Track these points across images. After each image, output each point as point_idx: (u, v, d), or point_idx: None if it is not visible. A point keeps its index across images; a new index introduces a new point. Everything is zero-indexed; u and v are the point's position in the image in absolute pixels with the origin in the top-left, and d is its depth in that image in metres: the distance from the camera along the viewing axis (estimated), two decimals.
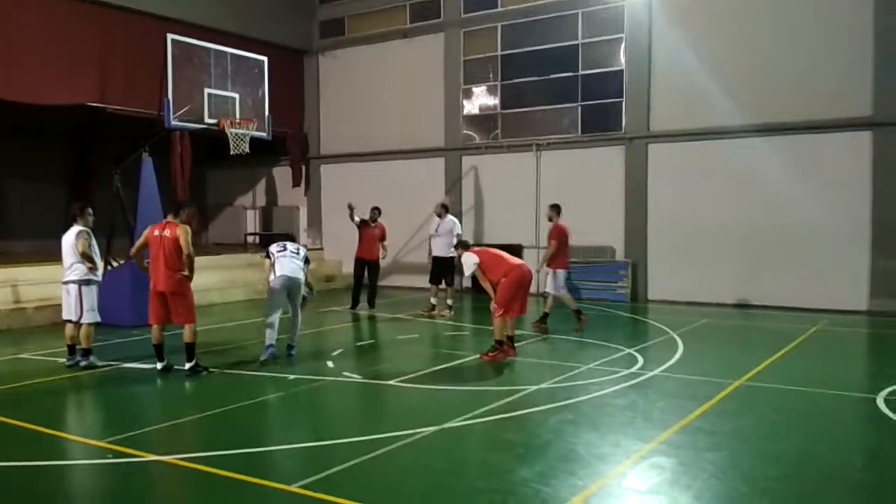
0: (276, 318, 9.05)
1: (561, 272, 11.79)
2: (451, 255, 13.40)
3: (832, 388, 8.03)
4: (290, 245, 9.35)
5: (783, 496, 5.00)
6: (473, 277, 10.10)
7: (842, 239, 13.89)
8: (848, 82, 13.82)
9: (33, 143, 19.06)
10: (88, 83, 15.28)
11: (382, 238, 14.43)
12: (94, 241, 9.01)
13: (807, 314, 13.47)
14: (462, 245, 10.20)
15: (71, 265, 8.92)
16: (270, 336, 8.99)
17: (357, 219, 14.18)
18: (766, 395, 7.75)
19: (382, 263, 14.91)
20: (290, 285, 9.04)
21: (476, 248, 9.98)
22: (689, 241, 15.31)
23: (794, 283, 14.25)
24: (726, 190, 14.92)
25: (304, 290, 9.42)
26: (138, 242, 8.90)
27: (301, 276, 9.14)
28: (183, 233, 8.44)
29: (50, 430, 6.48)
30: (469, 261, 9.55)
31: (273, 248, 9.29)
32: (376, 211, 14.49)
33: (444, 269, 13.66)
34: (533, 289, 10.24)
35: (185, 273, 8.50)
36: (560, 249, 11.64)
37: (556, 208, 11.97)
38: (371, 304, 14.45)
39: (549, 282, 11.83)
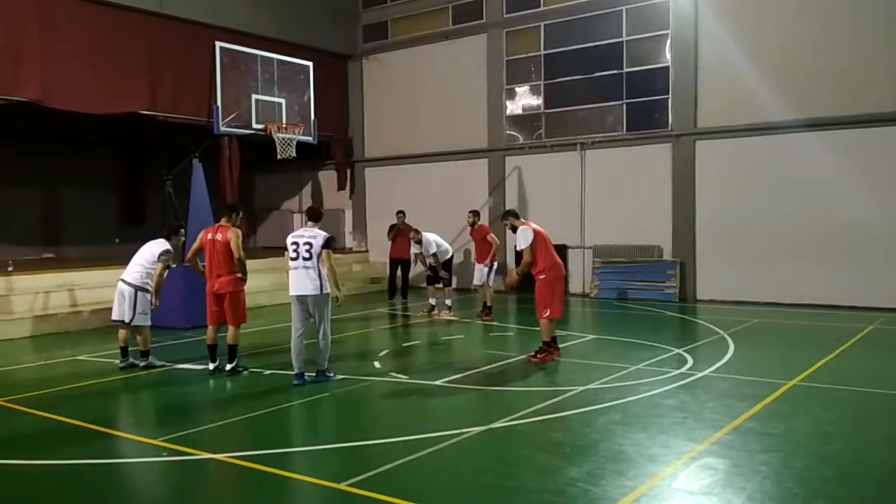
0: (294, 338, 8.13)
1: (495, 265, 13.43)
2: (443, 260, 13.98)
3: (889, 388, 7.81)
4: (302, 244, 7.99)
5: (838, 498, 4.88)
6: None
7: None
8: None
9: (86, 151, 19.60)
10: (139, 92, 15.66)
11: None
12: (172, 264, 9.22)
13: (862, 313, 13.12)
14: (513, 215, 9.73)
15: (135, 268, 9.16)
16: (294, 363, 8.12)
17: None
18: (820, 395, 7.58)
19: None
20: (304, 304, 8.06)
21: (534, 226, 9.34)
22: (739, 239, 15.04)
23: (849, 280, 13.89)
24: (776, 186, 14.61)
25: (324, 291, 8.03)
26: (193, 247, 9.05)
27: (315, 290, 7.94)
28: (233, 236, 8.61)
29: (107, 429, 6.66)
30: (525, 236, 9.13)
31: (288, 242, 8.13)
32: (401, 214, 16.15)
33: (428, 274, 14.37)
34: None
35: (239, 275, 8.67)
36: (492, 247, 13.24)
37: (477, 214, 13.88)
38: (404, 295, 16.24)
39: (482, 274, 13.28)
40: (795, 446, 5.88)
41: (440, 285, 13.86)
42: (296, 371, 8.20)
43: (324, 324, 8.12)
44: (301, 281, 7.98)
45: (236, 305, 8.72)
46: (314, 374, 8.25)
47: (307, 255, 7.95)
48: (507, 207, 9.92)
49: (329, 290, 8.09)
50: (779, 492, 4.93)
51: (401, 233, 16.01)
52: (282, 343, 10.84)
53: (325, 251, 8.01)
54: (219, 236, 8.67)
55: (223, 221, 8.85)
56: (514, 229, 9.49)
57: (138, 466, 5.87)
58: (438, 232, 14.55)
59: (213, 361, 8.87)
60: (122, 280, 9.20)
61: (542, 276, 9.23)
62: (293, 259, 8.01)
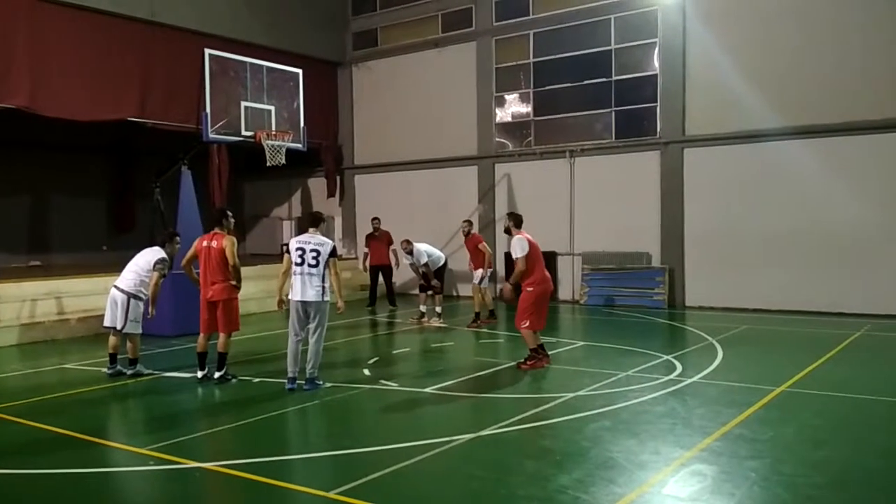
0: (291, 342, 8.22)
1: (489, 271, 13.66)
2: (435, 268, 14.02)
3: (877, 394, 7.85)
4: (308, 251, 8.11)
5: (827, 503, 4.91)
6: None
7: (885, 242, 13.59)
8: (887, 83, 13.54)
9: (74, 158, 19.53)
10: (129, 99, 15.62)
11: (389, 243, 15.81)
12: (167, 272, 9.14)
13: (850, 319, 13.20)
14: (514, 219, 9.54)
15: (129, 275, 9.12)
16: (289, 367, 8.22)
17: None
18: (808, 401, 7.61)
19: (397, 268, 16.19)
20: (305, 309, 8.14)
21: (528, 237, 9.27)
22: (728, 245, 15.11)
23: (837, 287, 13.99)
24: (764, 193, 14.70)
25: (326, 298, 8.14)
26: (188, 254, 8.98)
27: (317, 296, 8.06)
28: (229, 243, 8.58)
29: (94, 437, 6.61)
30: (522, 245, 9.10)
31: (292, 247, 8.21)
32: (376, 221, 16.14)
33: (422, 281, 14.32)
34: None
35: (233, 283, 8.64)
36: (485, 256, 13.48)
37: (470, 223, 14.05)
38: (391, 302, 16.14)
39: (477, 277, 13.38)
40: (784, 452, 5.90)
41: (431, 293, 13.86)
42: (289, 375, 8.25)
43: (320, 330, 8.19)
44: (304, 287, 8.07)
45: (229, 313, 8.67)
46: (303, 382, 8.24)
47: (314, 261, 8.07)
48: (496, 219, 9.81)
49: (329, 298, 8.21)
50: (768, 498, 4.94)
51: (377, 239, 16.10)
52: (271, 351, 10.82)
53: (332, 260, 8.18)
54: (214, 243, 8.64)
55: (217, 229, 8.81)
56: (509, 232, 9.50)
57: (125, 476, 5.82)
58: (429, 239, 14.57)
59: (202, 370, 8.82)
60: (116, 287, 9.15)
61: (529, 289, 9.22)
62: (298, 265, 8.10)
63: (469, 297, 14.57)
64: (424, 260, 13.65)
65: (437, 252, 14.04)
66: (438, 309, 13.71)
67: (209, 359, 8.85)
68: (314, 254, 8.09)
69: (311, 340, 8.20)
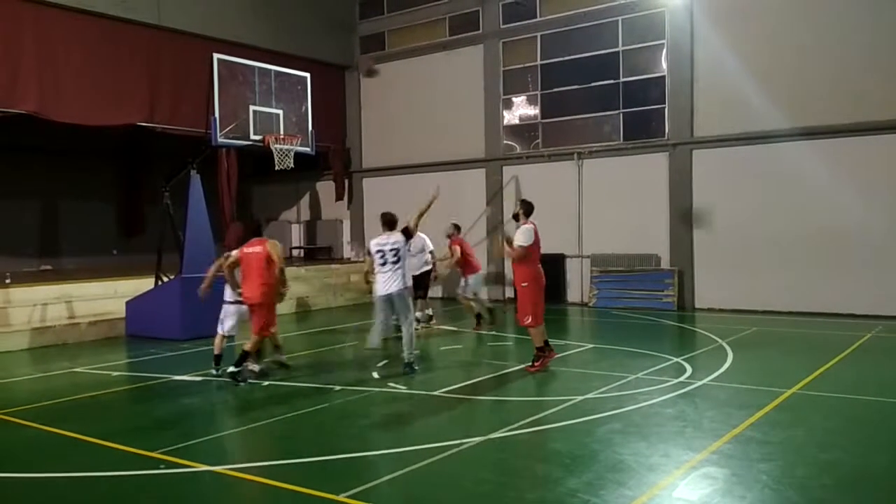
0: (377, 324, 9.16)
1: (470, 277, 13.18)
2: (424, 270, 13.11)
3: (889, 396, 7.79)
4: (388, 251, 8.89)
5: None
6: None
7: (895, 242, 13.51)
8: (894, 83, 13.46)
9: (84, 162, 19.65)
10: (137, 104, 15.70)
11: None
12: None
13: (861, 321, 13.13)
14: (525, 209, 9.40)
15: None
16: (371, 340, 9.44)
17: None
18: (819, 403, 7.57)
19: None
20: (390, 301, 8.96)
21: (535, 228, 9.20)
22: (737, 247, 15.05)
23: (847, 288, 13.91)
24: (774, 195, 14.64)
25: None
26: (230, 260, 9.07)
27: (400, 286, 8.89)
28: (272, 247, 8.82)
29: (105, 441, 6.62)
30: (527, 236, 9.08)
31: (372, 250, 9.06)
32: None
33: (416, 285, 12.89)
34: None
35: (274, 285, 8.85)
36: (465, 259, 13.09)
37: (457, 227, 13.44)
38: None
39: (465, 286, 13.26)
40: (795, 455, 5.87)
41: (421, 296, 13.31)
42: (373, 345, 9.58)
43: (407, 315, 9.03)
44: (388, 282, 8.88)
45: (267, 314, 8.87)
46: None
47: (395, 258, 8.88)
48: (504, 221, 9.70)
49: (410, 284, 9.29)
50: (779, 501, 4.91)
51: None
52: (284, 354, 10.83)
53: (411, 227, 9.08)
54: (258, 248, 8.81)
55: (257, 238, 8.98)
56: (517, 219, 9.41)
57: (136, 479, 5.84)
58: (434, 241, 14.49)
59: (257, 364, 9.12)
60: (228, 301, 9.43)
61: (524, 284, 9.21)
62: (381, 265, 8.91)
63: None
64: (431, 247, 13.21)
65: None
66: (429, 311, 13.61)
67: (227, 362, 8.88)
68: (394, 251, 8.87)
69: (404, 329, 9.07)
